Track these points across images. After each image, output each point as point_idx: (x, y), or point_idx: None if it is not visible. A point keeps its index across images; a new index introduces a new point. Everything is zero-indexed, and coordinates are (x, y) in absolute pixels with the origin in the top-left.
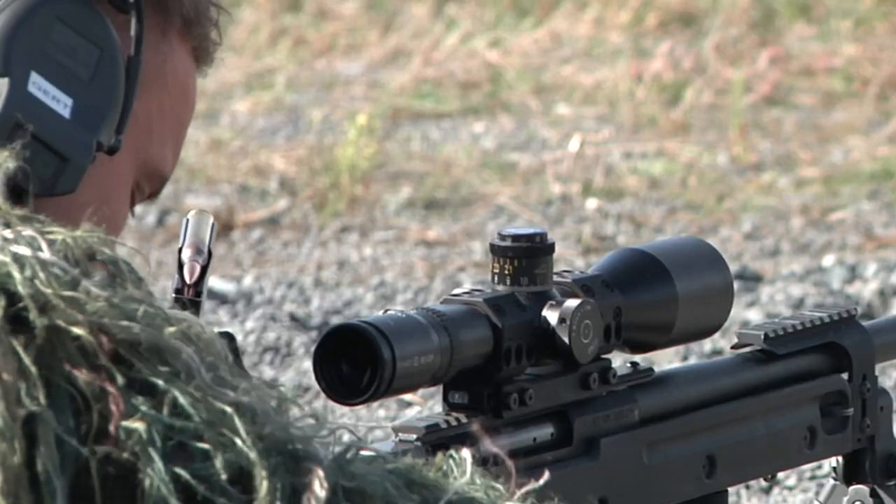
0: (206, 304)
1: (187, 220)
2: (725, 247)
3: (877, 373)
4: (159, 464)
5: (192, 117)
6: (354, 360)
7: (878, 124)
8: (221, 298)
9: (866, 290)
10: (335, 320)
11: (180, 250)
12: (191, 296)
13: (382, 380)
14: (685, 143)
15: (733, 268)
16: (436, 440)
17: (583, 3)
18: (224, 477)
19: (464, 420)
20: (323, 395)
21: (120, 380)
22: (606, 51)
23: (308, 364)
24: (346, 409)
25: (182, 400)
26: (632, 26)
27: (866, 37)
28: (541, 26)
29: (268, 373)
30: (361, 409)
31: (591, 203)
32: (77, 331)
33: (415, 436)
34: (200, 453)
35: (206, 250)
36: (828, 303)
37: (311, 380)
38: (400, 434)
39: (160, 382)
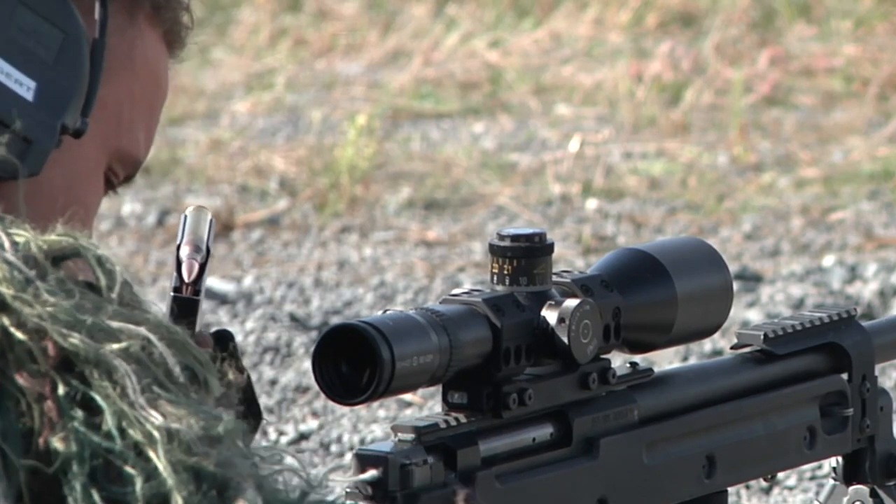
0: (206, 305)
1: (185, 217)
2: (725, 247)
3: (877, 373)
4: (79, 482)
5: (164, 101)
6: (353, 360)
7: (878, 124)
8: (221, 298)
9: (866, 290)
10: (335, 320)
11: (178, 247)
12: (189, 294)
13: (381, 380)
14: (685, 143)
15: (733, 268)
16: (435, 440)
17: (583, 3)
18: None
19: (463, 420)
20: (323, 394)
21: (62, 389)
22: (606, 51)
23: (308, 364)
24: (346, 408)
25: (110, 420)
26: (632, 26)
27: (866, 37)
28: (541, 26)
29: (268, 373)
30: (361, 409)
31: (591, 203)
32: (20, 335)
33: (413, 435)
34: (125, 476)
35: (204, 247)
36: (828, 303)
37: (311, 380)
38: (399, 434)
39: (97, 398)
